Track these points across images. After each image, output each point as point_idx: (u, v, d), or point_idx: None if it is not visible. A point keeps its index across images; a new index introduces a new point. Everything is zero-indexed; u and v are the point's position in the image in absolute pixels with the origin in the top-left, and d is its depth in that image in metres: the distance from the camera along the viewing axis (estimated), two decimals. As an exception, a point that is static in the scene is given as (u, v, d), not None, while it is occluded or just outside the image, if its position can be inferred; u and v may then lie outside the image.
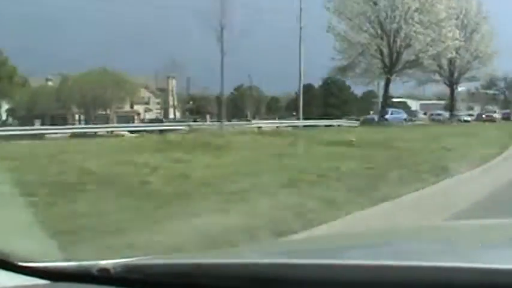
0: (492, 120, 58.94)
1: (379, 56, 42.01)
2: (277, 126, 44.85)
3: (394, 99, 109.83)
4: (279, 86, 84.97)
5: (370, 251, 2.00)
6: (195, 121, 68.81)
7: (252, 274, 1.63)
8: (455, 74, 50.13)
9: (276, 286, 1.58)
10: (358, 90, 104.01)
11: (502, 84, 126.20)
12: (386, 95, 45.42)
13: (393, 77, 43.30)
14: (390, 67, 41.74)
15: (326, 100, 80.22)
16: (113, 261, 1.77)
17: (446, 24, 42.02)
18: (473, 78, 52.47)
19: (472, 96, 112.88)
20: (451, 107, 55.27)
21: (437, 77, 50.73)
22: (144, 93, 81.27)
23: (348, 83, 78.43)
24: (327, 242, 2.38)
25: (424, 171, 9.45)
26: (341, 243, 2.31)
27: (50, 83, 75.28)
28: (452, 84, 51.17)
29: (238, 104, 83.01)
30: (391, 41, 41.39)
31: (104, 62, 69.99)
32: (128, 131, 41.08)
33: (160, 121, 63.75)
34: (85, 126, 57.46)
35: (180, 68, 71.37)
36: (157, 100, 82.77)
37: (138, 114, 79.58)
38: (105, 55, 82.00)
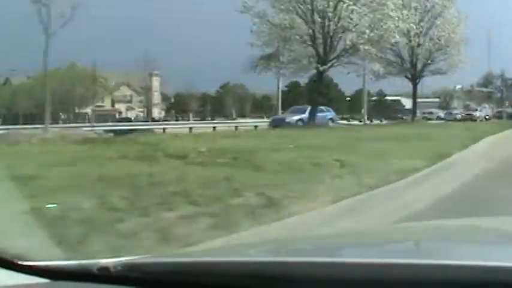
0: (472, 119, 55.28)
1: (310, 42, 32.29)
2: (214, 127, 43.43)
3: (388, 98, 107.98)
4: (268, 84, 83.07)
5: (370, 249, 2.01)
6: (177, 120, 66.64)
7: (252, 272, 1.63)
8: (419, 66, 42.20)
9: (276, 284, 1.59)
10: (350, 88, 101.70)
11: (498, 82, 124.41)
12: (320, 89, 36.17)
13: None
14: (324, 56, 32.13)
15: (311, 98, 77.64)
16: (113, 260, 1.77)
17: (389, 2, 32.49)
18: (438, 71, 43.67)
19: (468, 94, 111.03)
20: (413, 105, 47.42)
21: (396, 69, 41.87)
22: (126, 91, 78.73)
23: (333, 78, 76.67)
24: (327, 241, 2.36)
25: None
26: (341, 241, 2.28)
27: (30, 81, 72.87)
28: (415, 77, 42.79)
29: (224, 102, 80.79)
30: (326, 23, 31.69)
31: (90, 58, 67.67)
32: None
33: (129, 120, 61.75)
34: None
35: (158, 65, 68.82)
36: (140, 98, 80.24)
37: (120, 112, 77.15)
38: (92, 52, 79.72)
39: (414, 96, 45.81)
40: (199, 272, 1.70)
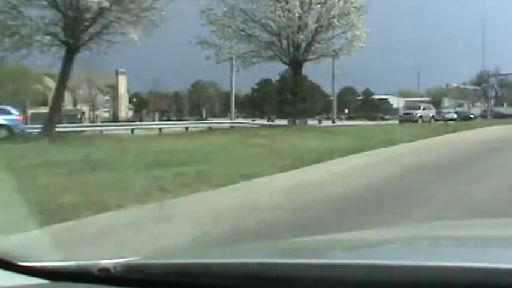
0: (411, 120, 47.24)
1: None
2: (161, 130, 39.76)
3: (376, 97, 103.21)
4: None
5: (368, 251, 2.02)
6: (140, 120, 61.72)
7: (252, 273, 1.64)
8: (301, 50, 31.20)
9: (276, 285, 1.60)
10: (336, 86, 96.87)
11: (492, 80, 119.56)
12: (63, 81, 23.63)
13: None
14: (74, 25, 21.45)
15: (282, 97, 71.52)
16: (113, 260, 1.77)
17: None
18: (326, 52, 32.18)
19: (461, 92, 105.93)
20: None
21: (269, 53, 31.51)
22: (89, 90, 73.14)
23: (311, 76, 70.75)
24: (326, 242, 2.36)
25: None
26: (340, 243, 2.29)
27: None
28: (296, 62, 32.05)
29: (195, 101, 75.35)
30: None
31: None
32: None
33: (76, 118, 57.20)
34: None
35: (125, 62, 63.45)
36: (106, 97, 74.74)
37: (83, 113, 71.46)
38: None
39: (295, 82, 36.33)
40: (199, 273, 1.71)
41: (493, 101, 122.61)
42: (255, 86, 74.53)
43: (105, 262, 1.76)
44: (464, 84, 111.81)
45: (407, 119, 49.21)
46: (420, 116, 51.40)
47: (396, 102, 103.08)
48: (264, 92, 72.71)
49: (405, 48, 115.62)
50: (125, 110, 75.69)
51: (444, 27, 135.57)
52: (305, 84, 74.60)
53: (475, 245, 2.03)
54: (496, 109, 78.10)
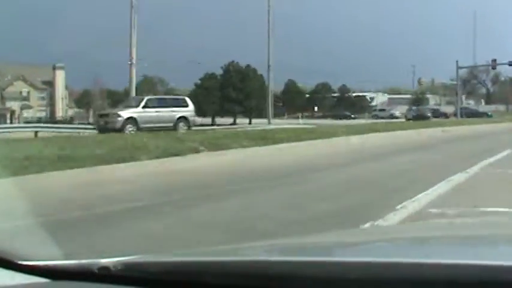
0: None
1: None
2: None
3: (354, 94, 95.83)
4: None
5: (371, 249, 2.04)
6: (68, 121, 55.13)
7: (252, 271, 1.65)
8: None
9: (276, 284, 1.61)
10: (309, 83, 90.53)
11: (483, 77, 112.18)
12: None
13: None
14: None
15: (224, 93, 63.82)
16: (114, 259, 1.77)
17: None
18: None
19: (447, 89, 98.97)
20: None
21: None
22: (22, 87, 65.82)
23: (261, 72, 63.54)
24: (326, 240, 2.37)
25: None
26: (341, 240, 2.31)
27: None
28: None
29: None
30: None
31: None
32: None
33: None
34: None
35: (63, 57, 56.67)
36: (42, 95, 67.44)
37: (13, 112, 64.21)
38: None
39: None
40: (199, 271, 1.72)
41: (483, 100, 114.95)
42: (198, 81, 67.08)
43: (105, 261, 1.76)
44: (452, 80, 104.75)
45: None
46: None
47: (375, 99, 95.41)
48: (206, 88, 65.44)
49: (401, 44, 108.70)
50: (63, 109, 68.66)
51: (441, 22, 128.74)
52: (252, 78, 67.48)
53: (476, 243, 2.05)
54: (473, 107, 71.51)
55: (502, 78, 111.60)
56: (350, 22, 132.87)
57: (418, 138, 21.93)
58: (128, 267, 1.75)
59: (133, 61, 39.25)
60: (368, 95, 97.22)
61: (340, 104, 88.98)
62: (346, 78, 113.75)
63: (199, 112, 68.36)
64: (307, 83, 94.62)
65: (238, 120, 63.03)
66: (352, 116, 75.68)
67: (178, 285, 1.67)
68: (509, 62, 61.90)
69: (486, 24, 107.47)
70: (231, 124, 53.26)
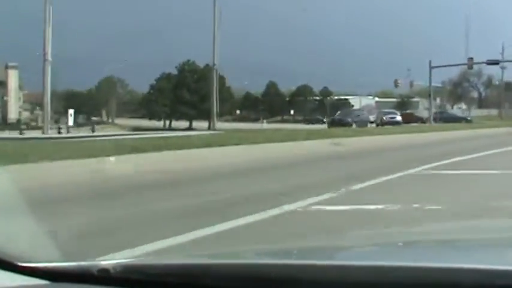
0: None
1: None
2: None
3: (336, 97, 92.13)
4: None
5: (369, 252, 2.05)
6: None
7: (251, 274, 1.67)
8: None
9: (275, 286, 1.62)
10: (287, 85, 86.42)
11: (475, 80, 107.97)
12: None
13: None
14: None
15: (178, 95, 58.80)
16: (113, 261, 1.80)
17: None
18: None
19: (438, 93, 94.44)
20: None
21: None
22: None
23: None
24: (326, 243, 2.41)
25: None
26: (340, 243, 2.34)
27: None
28: None
29: (96, 101, 63.24)
30: None
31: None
32: None
33: None
34: None
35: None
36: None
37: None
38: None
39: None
40: (199, 273, 1.73)
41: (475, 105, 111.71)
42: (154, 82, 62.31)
43: (105, 263, 1.78)
44: (443, 83, 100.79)
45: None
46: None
47: (358, 103, 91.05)
48: (159, 89, 60.92)
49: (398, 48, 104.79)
50: (16, 111, 64.21)
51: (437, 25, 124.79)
52: (210, 79, 62.84)
53: (471, 247, 2.06)
54: (452, 111, 67.42)
55: (497, 82, 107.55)
56: (343, 24, 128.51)
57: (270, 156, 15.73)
58: (128, 269, 1.75)
59: (48, 57, 34.78)
60: (352, 98, 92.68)
61: (322, 108, 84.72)
62: (336, 81, 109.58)
63: (151, 116, 64.50)
64: (290, 86, 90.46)
65: (196, 124, 58.80)
66: (324, 120, 71.51)
67: None
68: (488, 60, 57.56)
69: (481, 27, 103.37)
70: (185, 129, 48.78)
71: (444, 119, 60.29)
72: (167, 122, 58.46)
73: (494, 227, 2.83)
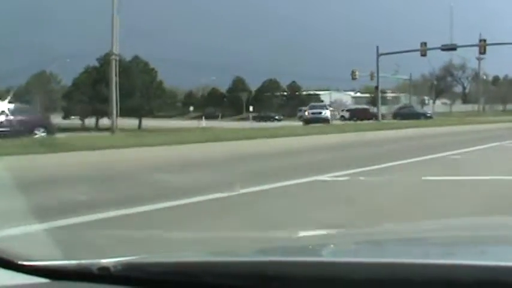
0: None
1: None
2: None
3: (304, 92, 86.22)
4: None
5: (370, 249, 2.05)
6: None
7: (252, 272, 1.66)
8: None
9: (275, 284, 1.62)
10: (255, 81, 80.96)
11: (459, 74, 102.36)
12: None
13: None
14: None
15: (97, 91, 51.88)
16: (113, 259, 1.78)
17: None
18: None
19: (416, 88, 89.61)
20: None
21: None
22: None
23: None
24: (325, 240, 2.37)
25: None
26: (339, 240, 2.32)
27: None
28: None
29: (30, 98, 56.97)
30: None
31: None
32: None
33: None
34: None
35: None
36: None
37: None
38: None
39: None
40: (199, 272, 1.72)
41: (460, 99, 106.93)
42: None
43: (105, 261, 1.77)
44: (423, 76, 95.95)
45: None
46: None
47: (325, 97, 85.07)
48: (77, 84, 54.63)
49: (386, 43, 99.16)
50: None
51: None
52: (138, 73, 56.41)
53: (474, 244, 2.04)
54: (411, 107, 63.30)
55: (484, 77, 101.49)
56: (324, 16, 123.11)
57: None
58: (128, 267, 1.74)
59: None
60: (323, 93, 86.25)
61: (289, 103, 78.52)
62: (318, 76, 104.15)
63: (67, 114, 58.43)
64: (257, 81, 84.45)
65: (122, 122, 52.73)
66: (277, 117, 65.42)
67: (178, 286, 1.68)
68: (443, 45, 51.32)
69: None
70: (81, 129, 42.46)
71: (401, 115, 55.44)
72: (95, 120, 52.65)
73: (495, 224, 2.76)
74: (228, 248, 2.64)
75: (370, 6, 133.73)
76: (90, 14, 76.13)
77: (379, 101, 55.25)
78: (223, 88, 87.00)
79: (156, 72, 57.59)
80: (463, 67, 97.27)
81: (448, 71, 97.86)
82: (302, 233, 3.48)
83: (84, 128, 45.17)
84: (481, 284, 1.38)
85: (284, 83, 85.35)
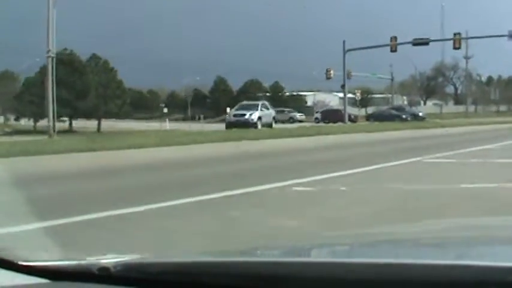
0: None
1: None
2: None
3: (288, 93, 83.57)
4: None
5: (370, 249, 2.03)
6: None
7: (253, 272, 1.65)
8: None
9: (277, 284, 1.61)
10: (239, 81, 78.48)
11: (451, 74, 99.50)
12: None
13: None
14: None
15: (43, 91, 49.42)
16: (114, 260, 1.78)
17: None
18: None
19: (405, 88, 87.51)
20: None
21: None
22: None
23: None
24: (329, 240, 2.35)
25: None
26: (343, 241, 2.29)
27: None
28: None
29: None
30: None
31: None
32: None
33: None
34: None
35: None
36: None
37: None
38: None
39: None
40: (200, 272, 1.72)
41: (452, 100, 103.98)
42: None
43: (105, 261, 1.76)
44: (412, 77, 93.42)
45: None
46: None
47: (312, 99, 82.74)
48: (28, 84, 52.05)
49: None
50: None
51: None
52: (93, 72, 53.68)
53: (473, 244, 2.05)
54: (386, 108, 60.62)
55: (478, 78, 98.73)
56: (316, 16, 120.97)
57: None
58: (128, 267, 1.74)
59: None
60: (308, 94, 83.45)
61: (274, 104, 75.93)
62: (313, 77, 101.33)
63: (18, 115, 56.06)
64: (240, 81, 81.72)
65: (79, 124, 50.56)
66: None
67: (178, 286, 1.68)
68: (414, 39, 48.67)
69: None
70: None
71: (375, 117, 53.28)
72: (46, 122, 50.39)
73: (495, 224, 2.76)
74: (228, 247, 2.70)
75: (355, 6, 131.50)
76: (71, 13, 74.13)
77: (346, 101, 52.20)
78: (208, 88, 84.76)
79: (116, 71, 54.84)
80: (454, 67, 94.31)
81: (439, 71, 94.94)
82: (301, 234, 3.36)
83: (36, 131, 42.63)
84: (479, 284, 1.38)
85: (269, 83, 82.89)
